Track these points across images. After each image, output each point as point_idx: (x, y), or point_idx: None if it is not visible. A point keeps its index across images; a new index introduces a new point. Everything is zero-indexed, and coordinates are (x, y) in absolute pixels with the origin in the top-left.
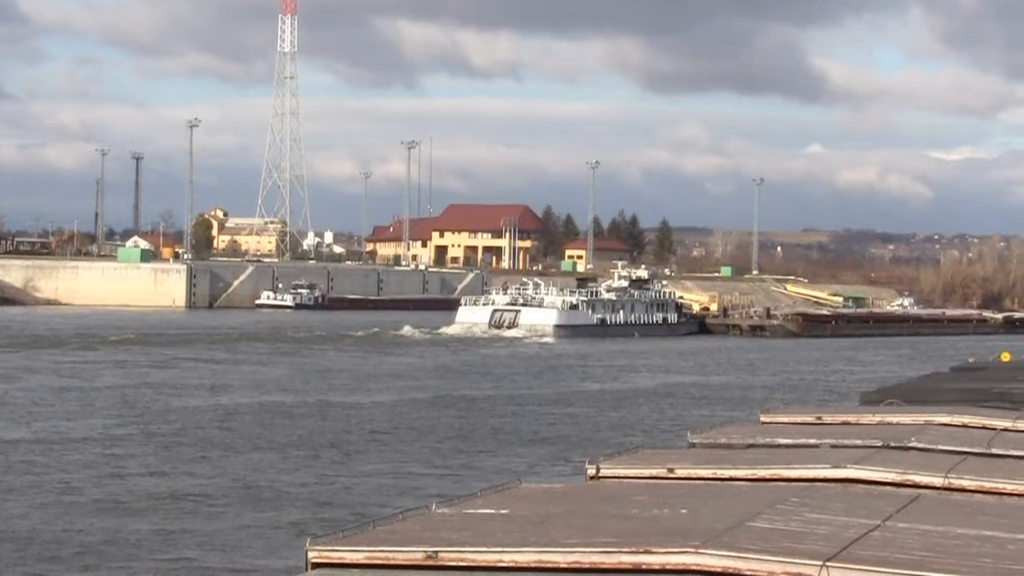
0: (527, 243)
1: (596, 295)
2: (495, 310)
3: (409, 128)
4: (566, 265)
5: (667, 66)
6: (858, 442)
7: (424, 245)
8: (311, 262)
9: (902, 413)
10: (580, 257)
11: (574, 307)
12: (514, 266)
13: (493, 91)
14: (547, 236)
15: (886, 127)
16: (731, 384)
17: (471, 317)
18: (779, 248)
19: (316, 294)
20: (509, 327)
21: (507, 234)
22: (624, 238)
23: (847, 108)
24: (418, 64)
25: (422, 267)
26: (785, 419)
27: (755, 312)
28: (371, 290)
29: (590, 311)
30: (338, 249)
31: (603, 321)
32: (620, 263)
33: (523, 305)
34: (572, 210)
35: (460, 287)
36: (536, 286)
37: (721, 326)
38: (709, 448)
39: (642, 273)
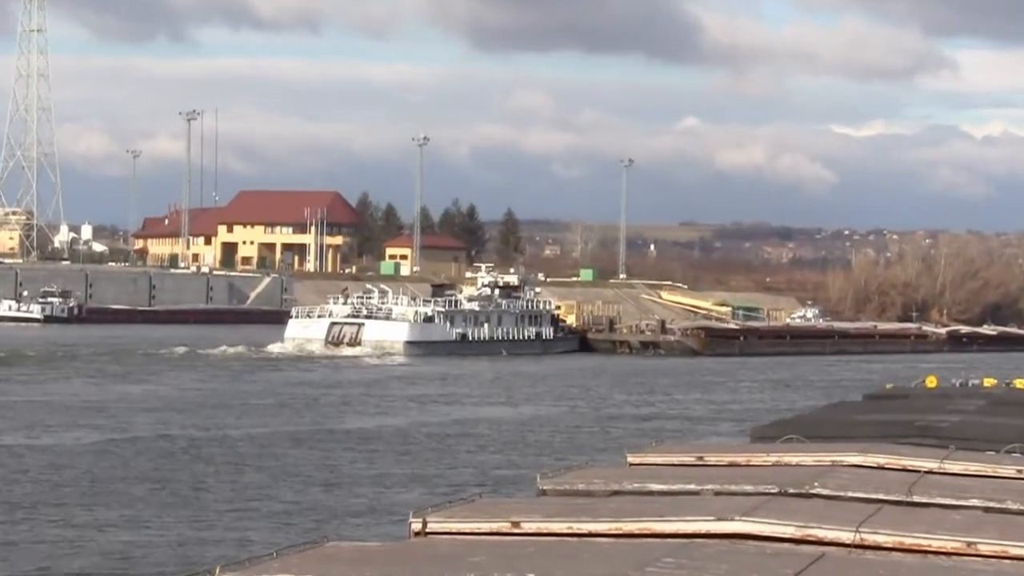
0: (338, 239)
1: (456, 305)
2: (333, 323)
3: (182, 94)
4: (386, 267)
5: (499, 18)
6: (748, 488)
7: (208, 242)
8: (65, 263)
9: (803, 452)
10: (405, 257)
11: (429, 319)
12: (322, 268)
13: (285, 48)
14: (363, 231)
15: (777, 95)
16: (612, 416)
17: (303, 332)
18: (652, 246)
19: (71, 304)
20: (351, 344)
21: (313, 228)
22: (459, 234)
23: (727, 72)
24: (188, 11)
25: (205, 269)
26: (658, 459)
27: (647, 326)
28: (141, 299)
29: (448, 324)
30: (99, 247)
31: (464, 336)
32: (485, 266)
33: (367, 317)
34: (393, 199)
35: (253, 294)
36: (383, 293)
37: (606, 343)
38: (563, 496)
39: (511, 278)
